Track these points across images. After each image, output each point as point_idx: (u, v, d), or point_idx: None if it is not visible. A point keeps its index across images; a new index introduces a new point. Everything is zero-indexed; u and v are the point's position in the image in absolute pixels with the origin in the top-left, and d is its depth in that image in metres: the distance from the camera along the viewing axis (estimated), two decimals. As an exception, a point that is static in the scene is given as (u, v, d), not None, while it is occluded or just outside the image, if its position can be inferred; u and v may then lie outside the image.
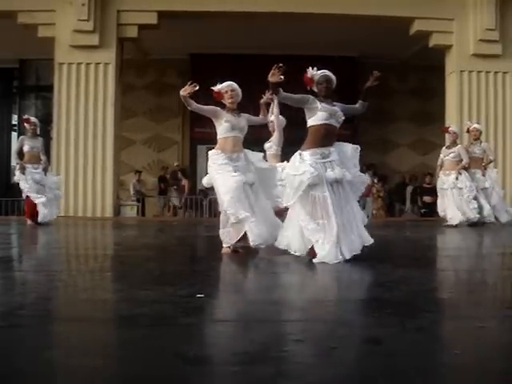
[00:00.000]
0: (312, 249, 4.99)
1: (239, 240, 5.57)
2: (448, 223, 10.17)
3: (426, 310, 3.02)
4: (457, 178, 10.16)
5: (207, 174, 5.77)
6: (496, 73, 13.58)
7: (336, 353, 2.24)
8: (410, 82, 17.85)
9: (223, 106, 5.78)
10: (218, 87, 5.76)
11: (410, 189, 16.70)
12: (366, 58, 16.67)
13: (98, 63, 13.26)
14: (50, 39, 13.12)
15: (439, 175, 10.60)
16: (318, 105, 5.13)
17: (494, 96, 13.60)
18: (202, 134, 15.37)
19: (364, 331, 2.64)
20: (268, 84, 5.01)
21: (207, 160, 5.76)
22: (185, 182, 16.46)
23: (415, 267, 4.75)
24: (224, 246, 5.62)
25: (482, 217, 10.23)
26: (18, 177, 10.09)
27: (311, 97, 5.16)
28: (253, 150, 5.93)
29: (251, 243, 5.48)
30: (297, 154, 5.18)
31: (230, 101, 5.74)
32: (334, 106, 5.24)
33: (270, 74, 4.91)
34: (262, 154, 6.22)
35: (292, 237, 5.09)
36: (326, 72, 5.30)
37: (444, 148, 10.71)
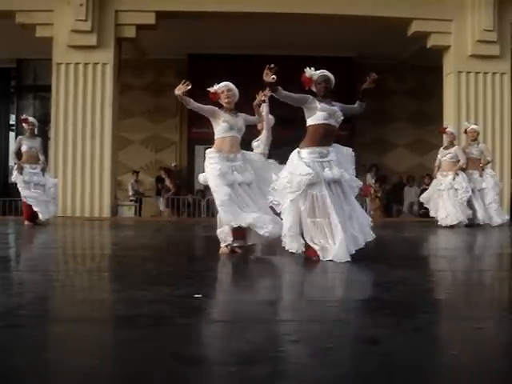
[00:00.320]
0: (309, 249, 4.99)
1: (238, 239, 5.56)
2: (439, 223, 10.20)
3: (423, 311, 3.02)
4: (454, 179, 10.18)
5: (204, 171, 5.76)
6: (494, 74, 13.58)
7: (332, 353, 2.24)
8: (407, 82, 17.86)
9: (220, 107, 5.78)
10: (214, 88, 5.76)
11: (407, 189, 16.72)
12: (364, 58, 16.68)
13: (96, 63, 13.24)
14: (48, 39, 13.10)
15: (437, 176, 10.62)
16: (318, 105, 5.14)
17: (491, 97, 13.61)
18: (199, 135, 15.38)
19: (361, 331, 2.64)
20: (265, 84, 5.02)
21: (205, 159, 5.75)
22: (168, 182, 16.48)
23: (412, 268, 4.75)
24: (222, 245, 5.62)
25: (477, 219, 10.25)
26: (15, 177, 10.08)
27: (310, 96, 5.17)
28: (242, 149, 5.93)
29: (249, 243, 5.49)
30: (295, 151, 5.19)
31: (226, 101, 5.74)
32: (333, 105, 5.25)
33: (264, 74, 4.93)
34: (261, 155, 6.22)
35: (289, 235, 5.09)
36: (325, 72, 5.31)
37: (441, 149, 10.73)
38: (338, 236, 4.83)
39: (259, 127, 7.61)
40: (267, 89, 5.16)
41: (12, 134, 18.00)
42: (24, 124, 10.32)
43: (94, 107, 13.20)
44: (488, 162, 10.74)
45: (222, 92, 5.74)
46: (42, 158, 10.25)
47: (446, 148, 10.56)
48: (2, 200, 14.86)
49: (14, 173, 10.12)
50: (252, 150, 7.40)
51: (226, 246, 5.58)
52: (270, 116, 7.43)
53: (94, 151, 13.17)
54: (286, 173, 5.12)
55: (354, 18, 13.25)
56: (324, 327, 2.72)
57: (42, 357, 2.19)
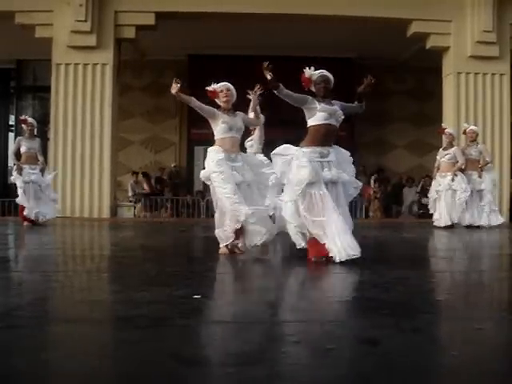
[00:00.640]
0: (310, 248, 4.98)
1: (236, 238, 5.56)
2: (435, 224, 10.21)
3: (423, 311, 3.02)
4: (453, 180, 10.18)
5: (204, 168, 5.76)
6: (493, 75, 13.59)
7: (332, 354, 2.24)
8: (407, 83, 17.87)
9: (218, 107, 5.78)
10: (213, 86, 5.77)
11: (407, 190, 16.72)
12: (364, 59, 16.69)
13: (96, 64, 13.24)
14: (48, 40, 13.11)
15: (436, 177, 10.62)
16: (317, 105, 5.15)
17: (490, 98, 13.62)
18: (199, 135, 15.38)
19: (360, 332, 2.64)
20: (267, 82, 5.03)
21: (205, 157, 5.75)
22: (145, 185, 16.50)
23: (412, 268, 4.75)
24: (221, 246, 5.61)
25: (475, 220, 10.24)
26: (14, 178, 10.07)
27: (310, 97, 5.18)
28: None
29: (248, 243, 5.48)
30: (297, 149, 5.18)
31: (224, 99, 5.75)
32: (333, 105, 5.26)
33: (264, 72, 4.96)
34: (260, 157, 6.21)
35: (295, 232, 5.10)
36: (324, 72, 5.31)
37: (441, 150, 10.75)
38: (339, 234, 4.81)
39: (251, 127, 7.63)
40: (269, 85, 5.12)
41: (11, 135, 17.99)
42: (23, 125, 10.32)
43: (93, 108, 13.21)
44: (487, 163, 10.74)
45: (221, 91, 5.75)
46: (41, 158, 10.25)
47: (445, 149, 10.57)
48: (1, 201, 14.85)
49: (14, 173, 10.12)
50: (245, 150, 7.42)
51: (226, 247, 5.58)
52: (261, 115, 7.45)
53: (93, 152, 13.17)
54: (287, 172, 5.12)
55: (354, 19, 13.26)
56: (324, 328, 2.71)
57: (42, 357, 2.19)
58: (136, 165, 17.41)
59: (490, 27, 13.23)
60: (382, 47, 15.29)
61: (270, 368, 2.04)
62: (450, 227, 10.05)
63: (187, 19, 13.57)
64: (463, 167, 10.30)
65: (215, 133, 5.73)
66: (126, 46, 14.08)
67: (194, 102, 5.60)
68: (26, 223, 9.95)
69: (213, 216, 5.94)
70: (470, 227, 10.10)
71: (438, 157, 10.66)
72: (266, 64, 4.99)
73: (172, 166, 17.49)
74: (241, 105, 6.08)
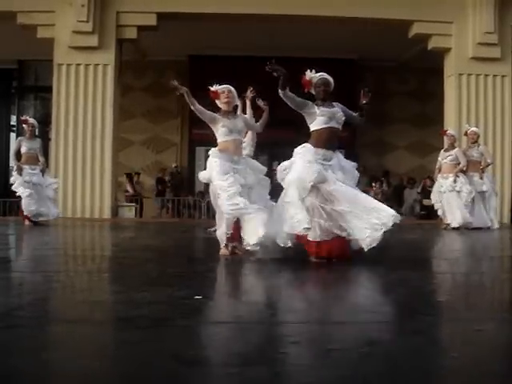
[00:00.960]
0: (310, 247, 4.97)
1: (234, 240, 5.55)
2: (451, 226, 10.11)
3: (424, 313, 3.02)
4: (455, 181, 10.17)
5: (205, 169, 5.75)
6: (495, 76, 13.58)
7: (332, 355, 2.24)
8: (408, 84, 17.88)
9: (218, 109, 5.79)
10: (215, 87, 5.78)
11: (408, 191, 16.73)
12: (365, 60, 16.72)
13: (97, 64, 13.25)
14: (49, 40, 13.12)
15: (437, 178, 10.61)
16: (317, 110, 5.14)
17: (492, 99, 13.61)
18: (200, 136, 15.36)
19: (361, 333, 2.64)
20: (277, 81, 5.01)
21: (206, 159, 5.75)
22: (128, 186, 16.54)
23: (413, 269, 4.75)
24: (222, 246, 5.61)
25: (477, 221, 10.22)
26: (14, 178, 10.06)
27: (310, 102, 5.17)
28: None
29: (246, 245, 5.45)
30: (299, 147, 5.16)
31: (225, 101, 5.75)
32: (334, 106, 5.25)
33: (273, 69, 4.94)
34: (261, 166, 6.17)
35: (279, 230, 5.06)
36: (325, 75, 5.31)
37: (442, 151, 10.73)
38: (356, 224, 4.80)
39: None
40: (279, 85, 5.09)
41: (13, 135, 18.02)
42: (24, 125, 10.31)
43: (94, 108, 13.22)
44: (488, 165, 10.73)
45: (223, 92, 5.76)
46: (41, 159, 10.24)
47: (447, 150, 10.56)
48: (2, 201, 14.86)
49: (14, 174, 10.11)
50: None
51: (226, 248, 5.58)
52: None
53: (94, 152, 13.18)
54: (291, 173, 5.09)
55: (356, 20, 13.26)
56: (324, 329, 2.71)
57: (42, 358, 2.19)
58: (137, 165, 17.43)
59: (491, 29, 13.23)
60: (383, 48, 15.30)
61: (271, 368, 2.04)
62: (463, 227, 9.98)
63: (188, 20, 13.58)
64: (464, 169, 10.28)
65: (217, 136, 5.74)
66: (128, 47, 14.10)
67: (196, 106, 5.61)
68: (27, 223, 9.94)
69: (214, 217, 5.94)
70: (473, 229, 10.07)
71: (439, 158, 10.64)
72: (271, 63, 4.95)
73: (173, 166, 17.50)
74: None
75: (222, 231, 5.57)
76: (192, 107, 5.63)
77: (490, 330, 2.68)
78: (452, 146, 10.52)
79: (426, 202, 15.21)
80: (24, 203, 9.92)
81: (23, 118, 10.74)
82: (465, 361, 2.19)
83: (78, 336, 2.52)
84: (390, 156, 18.00)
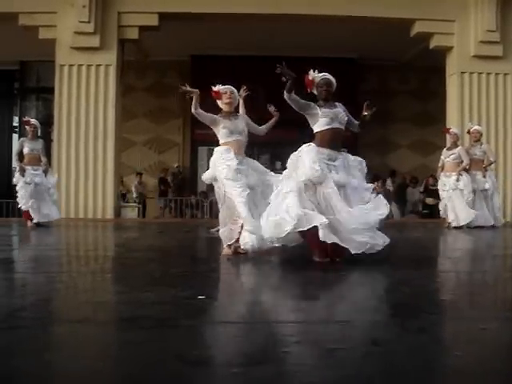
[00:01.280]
0: (316, 247, 4.96)
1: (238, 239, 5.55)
2: (453, 225, 10.09)
3: (427, 312, 3.02)
4: (457, 180, 10.15)
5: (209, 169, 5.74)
6: (497, 74, 13.56)
7: (336, 354, 2.23)
8: (410, 83, 17.87)
9: (219, 109, 5.80)
10: (217, 87, 5.78)
11: (410, 190, 16.72)
12: (367, 59, 16.70)
13: (99, 65, 13.26)
14: (51, 41, 13.12)
15: (440, 177, 10.59)
16: (319, 111, 5.13)
17: (494, 98, 13.58)
18: (202, 136, 15.34)
19: (364, 332, 2.64)
20: (285, 81, 4.99)
21: (208, 158, 5.76)
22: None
23: (416, 268, 4.74)
24: (224, 246, 5.61)
25: (480, 220, 10.20)
26: (17, 179, 10.06)
27: (312, 103, 5.17)
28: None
29: (243, 246, 5.42)
30: (305, 145, 5.15)
31: (226, 101, 5.75)
32: (336, 107, 5.24)
33: (283, 72, 4.92)
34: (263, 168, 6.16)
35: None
36: (327, 75, 5.30)
37: (445, 150, 10.71)
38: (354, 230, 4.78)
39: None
40: (286, 88, 5.07)
41: (15, 136, 18.01)
42: (26, 126, 10.32)
43: (96, 109, 13.22)
44: (491, 163, 10.71)
45: (225, 93, 5.76)
46: (44, 159, 10.23)
47: (450, 149, 10.54)
48: (5, 202, 14.87)
49: (16, 174, 10.12)
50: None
51: (229, 247, 5.57)
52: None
53: (96, 152, 13.19)
54: (293, 163, 5.09)
55: (357, 19, 13.24)
56: (328, 328, 2.71)
57: (45, 358, 2.19)
58: (139, 165, 17.44)
59: (493, 27, 13.21)
60: (385, 47, 15.28)
61: (275, 368, 2.04)
62: (466, 226, 9.97)
63: (190, 20, 13.58)
64: (467, 167, 10.27)
65: (219, 138, 5.75)
66: (130, 47, 14.10)
67: (198, 110, 5.61)
68: (29, 224, 9.94)
69: (216, 217, 5.94)
70: (476, 227, 10.04)
71: (442, 157, 10.62)
72: (282, 66, 4.94)
73: (175, 166, 17.51)
74: (246, 105, 6.08)
75: (226, 230, 5.56)
76: (193, 110, 5.61)
77: (494, 329, 2.68)
78: (455, 145, 10.50)
79: (428, 200, 15.20)
80: (20, 197, 9.95)
81: (25, 119, 10.74)
82: (468, 359, 2.19)
83: (82, 336, 2.52)
84: (393, 155, 17.99)
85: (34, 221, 9.86)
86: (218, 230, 5.80)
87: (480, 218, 10.15)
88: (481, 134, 10.84)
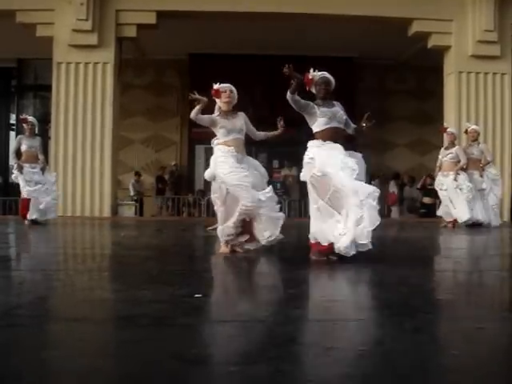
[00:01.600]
0: (317, 244, 4.96)
1: (246, 241, 5.56)
2: (462, 223, 10.09)
3: (424, 311, 3.02)
4: (455, 179, 10.16)
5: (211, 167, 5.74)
6: (494, 74, 13.59)
7: (334, 353, 2.24)
8: (408, 82, 17.87)
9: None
10: (217, 86, 5.77)
11: (407, 189, 16.72)
12: (365, 58, 16.69)
13: (97, 63, 13.25)
14: (49, 38, 13.11)
15: (438, 176, 10.61)
16: (317, 110, 5.14)
17: (492, 97, 13.62)
18: (200, 134, 15.25)
19: (362, 331, 2.64)
20: (290, 82, 4.99)
21: (206, 157, 5.77)
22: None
23: (413, 268, 4.75)
24: (222, 244, 5.61)
25: (477, 219, 10.21)
26: (15, 176, 10.05)
27: (311, 103, 5.17)
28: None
29: (262, 241, 5.48)
30: (310, 142, 5.17)
31: (225, 100, 5.75)
32: (334, 105, 5.25)
33: (290, 75, 4.92)
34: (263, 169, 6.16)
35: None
36: (326, 74, 5.31)
37: (442, 149, 10.73)
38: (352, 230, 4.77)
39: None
40: (291, 89, 5.07)
41: (12, 134, 18.00)
42: (23, 124, 10.31)
43: (94, 107, 13.22)
44: (488, 163, 10.72)
45: (224, 91, 5.75)
46: (41, 157, 10.23)
47: (447, 148, 10.56)
48: (2, 199, 14.86)
49: (14, 172, 10.10)
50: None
51: (226, 246, 5.58)
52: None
53: (94, 150, 13.18)
54: (306, 158, 5.10)
55: (355, 19, 13.26)
56: (325, 327, 2.71)
57: (42, 356, 2.19)
58: (137, 164, 17.42)
59: (491, 26, 13.23)
60: (383, 47, 15.29)
61: (272, 367, 2.04)
62: (463, 224, 9.99)
63: (188, 18, 13.58)
64: (465, 167, 10.28)
65: (218, 137, 5.75)
66: (127, 45, 14.09)
67: (198, 116, 5.60)
68: (26, 222, 9.92)
69: (213, 215, 5.94)
70: (473, 226, 10.06)
71: (439, 156, 10.64)
72: (289, 68, 4.95)
73: (172, 164, 17.49)
74: (245, 103, 6.08)
75: (225, 227, 5.57)
76: (193, 116, 5.59)
77: (491, 328, 2.68)
78: (452, 144, 10.52)
79: (426, 200, 15.21)
80: (26, 201, 9.95)
81: (22, 116, 10.74)
82: (465, 359, 2.19)
83: (79, 335, 2.52)
84: (390, 154, 17.99)
85: (32, 217, 9.85)
86: (215, 229, 5.81)
87: (478, 216, 10.17)
88: (478, 134, 10.87)
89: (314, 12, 13.02)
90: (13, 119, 18.57)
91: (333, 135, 5.15)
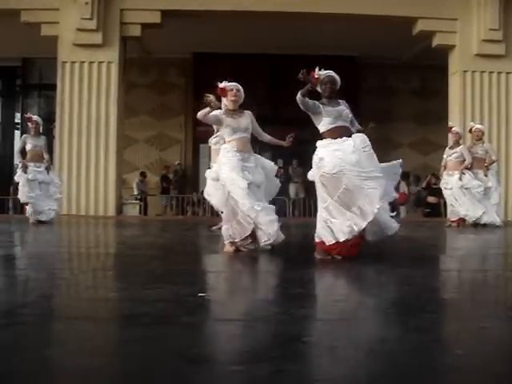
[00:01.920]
0: (321, 244, 4.95)
1: (251, 241, 5.55)
2: (469, 222, 10.07)
3: (428, 310, 3.01)
4: (460, 179, 10.14)
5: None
6: (499, 73, 13.56)
7: (337, 352, 2.23)
8: (412, 81, 17.83)
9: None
10: (223, 84, 5.76)
11: (412, 189, 16.69)
12: (368, 57, 16.67)
13: (101, 62, 13.27)
14: (54, 38, 13.14)
15: (443, 176, 10.58)
16: (322, 110, 5.13)
17: (497, 96, 13.58)
18: (204, 133, 15.22)
19: (365, 330, 2.63)
20: (304, 84, 4.99)
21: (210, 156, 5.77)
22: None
23: (417, 267, 4.74)
24: (226, 243, 5.60)
25: (482, 218, 10.18)
26: (19, 176, 10.05)
27: (317, 103, 5.17)
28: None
29: (264, 242, 5.47)
30: (319, 141, 5.17)
31: (232, 99, 5.73)
32: (340, 104, 5.25)
33: (305, 80, 4.92)
34: (272, 163, 6.15)
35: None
36: (331, 73, 5.30)
37: (447, 148, 10.71)
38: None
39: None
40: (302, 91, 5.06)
41: (17, 133, 18.04)
42: (28, 123, 10.33)
43: (98, 106, 13.24)
44: (493, 162, 10.69)
45: (231, 90, 5.74)
46: (46, 156, 10.24)
47: (452, 147, 10.53)
48: (7, 198, 14.89)
49: (19, 171, 10.11)
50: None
51: (231, 245, 5.57)
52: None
53: (98, 150, 13.20)
54: (315, 158, 5.10)
55: (359, 18, 13.24)
56: (329, 326, 2.71)
57: (46, 355, 2.19)
58: (141, 163, 17.43)
59: (496, 25, 13.19)
60: (386, 46, 15.26)
61: (276, 366, 2.03)
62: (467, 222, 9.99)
63: (193, 17, 13.59)
64: (470, 166, 10.25)
65: (224, 136, 5.75)
66: (132, 44, 14.11)
67: (205, 117, 5.57)
68: (31, 220, 9.94)
69: (217, 214, 5.94)
70: (477, 225, 10.04)
71: (444, 155, 10.61)
72: (303, 73, 4.94)
73: (176, 163, 17.50)
74: (249, 102, 6.07)
75: (229, 227, 5.56)
76: (200, 116, 5.55)
77: (495, 328, 2.68)
78: (457, 144, 10.49)
79: (430, 199, 15.19)
80: (21, 198, 9.96)
81: (27, 115, 10.75)
82: (470, 358, 2.18)
83: (82, 333, 2.52)
84: (394, 154, 17.87)
85: (36, 217, 9.87)
86: (219, 228, 5.81)
87: (485, 215, 10.15)
88: (483, 133, 10.84)
89: (317, 11, 13.01)
90: (18, 118, 18.61)
91: (339, 134, 5.15)
